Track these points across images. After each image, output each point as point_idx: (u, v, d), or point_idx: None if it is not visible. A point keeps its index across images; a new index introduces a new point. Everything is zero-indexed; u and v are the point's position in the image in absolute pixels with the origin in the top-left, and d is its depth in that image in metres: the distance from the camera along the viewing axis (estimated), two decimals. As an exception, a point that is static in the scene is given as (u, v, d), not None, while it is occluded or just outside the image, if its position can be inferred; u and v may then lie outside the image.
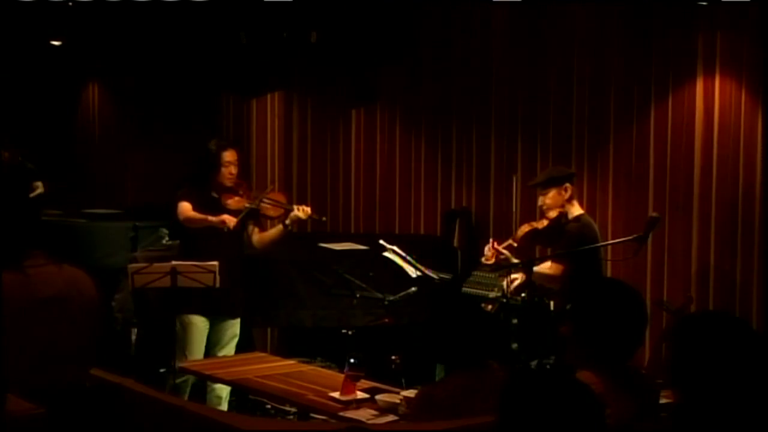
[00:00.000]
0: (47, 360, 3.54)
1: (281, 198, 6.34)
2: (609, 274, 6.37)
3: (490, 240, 5.94)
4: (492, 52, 7.55)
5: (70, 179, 10.46)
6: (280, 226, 6.22)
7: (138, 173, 10.39)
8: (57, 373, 3.48)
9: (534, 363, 5.90)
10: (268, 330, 7.77)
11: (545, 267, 5.76)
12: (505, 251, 5.74)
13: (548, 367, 5.76)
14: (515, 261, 5.73)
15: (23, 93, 10.35)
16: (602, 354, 3.12)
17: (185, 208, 6.05)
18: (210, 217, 6.01)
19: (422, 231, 8.06)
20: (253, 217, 6.19)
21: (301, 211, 6.14)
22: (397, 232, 8.16)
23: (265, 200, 6.16)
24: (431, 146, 8.01)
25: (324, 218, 6.61)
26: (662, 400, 3.34)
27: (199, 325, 6.04)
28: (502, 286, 5.94)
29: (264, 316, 6.96)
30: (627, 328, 3.15)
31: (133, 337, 7.09)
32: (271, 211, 6.23)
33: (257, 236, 6.25)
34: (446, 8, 7.78)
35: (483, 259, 5.89)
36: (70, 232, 8.36)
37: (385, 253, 6.18)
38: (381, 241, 6.26)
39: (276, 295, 6.90)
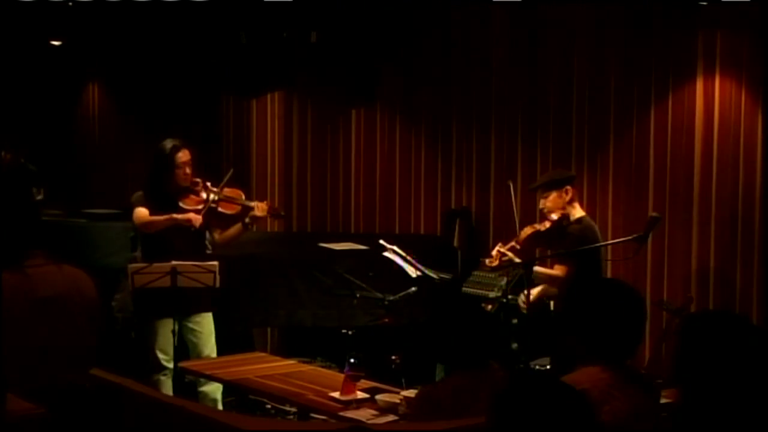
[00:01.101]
0: (47, 360, 3.54)
1: (239, 195, 6.25)
2: (609, 274, 6.36)
3: (498, 244, 5.93)
4: (492, 52, 7.54)
5: (70, 179, 10.47)
6: (239, 225, 6.16)
7: (138, 173, 10.37)
8: (57, 373, 3.48)
9: (535, 363, 5.91)
10: (268, 330, 7.77)
11: (549, 268, 5.76)
12: (508, 253, 5.75)
13: (541, 371, 5.76)
14: (518, 261, 5.72)
15: (23, 93, 10.34)
16: (603, 352, 3.13)
17: (142, 213, 6.00)
18: (176, 216, 5.97)
19: (422, 231, 8.06)
20: (211, 215, 6.13)
21: (259, 210, 6.09)
22: (397, 232, 8.15)
23: (221, 199, 6.10)
24: (431, 146, 8.01)
25: (283, 213, 6.52)
26: (662, 400, 3.35)
27: (165, 322, 5.98)
28: (503, 285, 5.94)
29: (264, 316, 6.96)
30: (626, 327, 3.16)
31: (133, 337, 7.08)
32: (229, 209, 6.17)
33: (218, 236, 6.22)
34: (446, 8, 7.77)
35: (487, 261, 5.89)
36: (70, 232, 8.35)
37: (385, 253, 6.18)
38: (381, 241, 6.26)
39: (276, 295, 6.90)
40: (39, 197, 8.15)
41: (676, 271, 6.48)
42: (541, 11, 7.17)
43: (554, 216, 5.80)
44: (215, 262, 5.82)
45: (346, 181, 8.64)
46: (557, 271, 5.68)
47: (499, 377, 3.54)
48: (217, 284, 5.80)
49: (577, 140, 7.02)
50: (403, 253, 6.16)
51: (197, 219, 5.97)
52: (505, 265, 5.77)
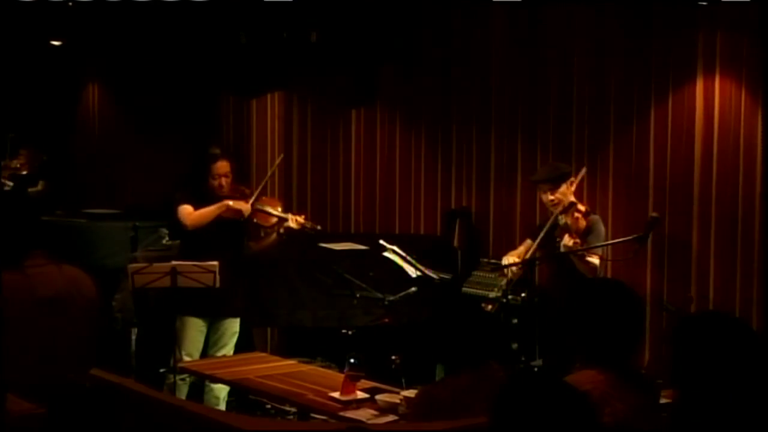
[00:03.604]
0: (47, 360, 3.54)
1: (276, 206, 6.26)
2: (609, 274, 6.37)
3: (565, 236, 5.81)
4: (492, 52, 7.54)
5: (70, 179, 10.47)
6: (274, 235, 6.18)
7: (138, 173, 10.39)
8: (57, 373, 3.48)
9: (534, 364, 5.91)
10: (268, 330, 7.77)
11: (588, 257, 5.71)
12: (578, 242, 5.67)
13: (539, 370, 5.75)
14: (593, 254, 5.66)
15: (23, 93, 10.34)
16: (602, 353, 3.13)
17: (187, 211, 6.01)
18: (228, 202, 5.97)
19: (422, 231, 8.06)
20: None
21: (294, 222, 6.10)
22: (397, 232, 8.15)
23: (258, 210, 6.10)
24: (431, 146, 8.01)
25: (319, 227, 6.54)
26: (662, 400, 3.35)
27: (197, 325, 6.03)
28: (503, 285, 5.93)
29: (264, 316, 6.96)
30: (624, 329, 3.16)
31: (133, 337, 7.09)
32: (264, 221, 6.18)
33: (254, 245, 6.24)
34: (446, 8, 7.77)
35: (570, 244, 5.70)
36: (70, 232, 8.36)
37: (385, 253, 6.18)
38: (381, 241, 6.26)
39: (276, 295, 6.90)
40: (38, 188, 8.17)
41: (676, 271, 6.48)
42: (541, 11, 7.17)
43: (582, 207, 5.79)
44: (215, 262, 5.82)
45: (346, 181, 8.63)
46: (595, 259, 5.67)
47: (499, 377, 3.54)
48: (217, 284, 5.80)
49: (577, 140, 7.02)
50: (403, 253, 6.16)
51: (248, 208, 5.98)
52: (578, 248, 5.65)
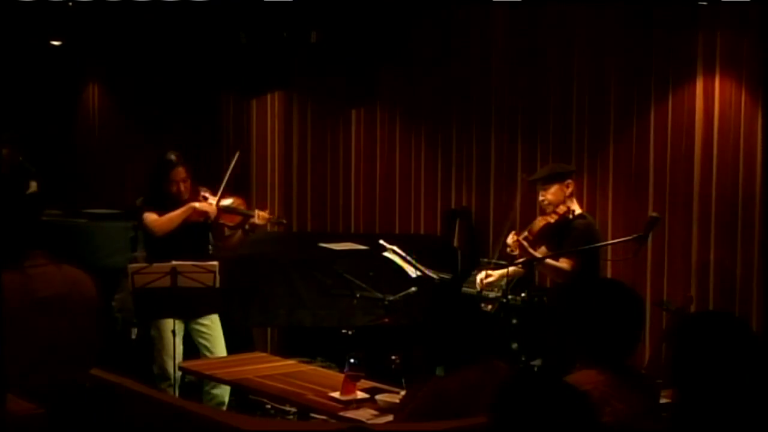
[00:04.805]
0: (47, 360, 3.54)
1: (239, 204, 6.25)
2: (609, 274, 6.37)
3: (511, 233, 5.83)
4: (492, 52, 7.54)
5: (70, 179, 10.47)
6: (239, 232, 6.17)
7: (138, 173, 10.37)
8: (57, 373, 3.48)
9: (535, 363, 5.91)
10: (268, 330, 7.77)
11: (555, 260, 5.71)
12: (524, 242, 5.66)
13: (538, 370, 5.75)
14: (533, 252, 5.64)
15: (23, 93, 10.34)
16: (602, 353, 3.13)
17: (152, 218, 6.03)
18: (195, 204, 5.98)
19: (422, 231, 8.06)
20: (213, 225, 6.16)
21: (259, 218, 6.09)
22: (397, 232, 8.15)
23: (222, 210, 6.10)
24: (431, 146, 8.01)
25: (284, 220, 6.54)
26: (662, 400, 3.36)
27: (170, 327, 5.98)
28: (503, 285, 5.93)
29: (264, 316, 6.96)
30: (624, 328, 3.16)
31: (133, 337, 7.09)
32: (230, 221, 6.18)
33: (220, 243, 6.24)
34: (445, 8, 7.77)
35: (508, 250, 5.76)
36: (70, 232, 8.36)
37: (385, 253, 6.18)
38: (381, 241, 6.26)
39: (276, 295, 6.90)
40: (32, 190, 8.16)
41: (676, 271, 6.48)
42: (541, 11, 7.17)
43: (562, 209, 5.76)
44: (215, 262, 5.82)
45: (346, 181, 8.64)
46: (564, 264, 5.62)
47: (503, 375, 3.53)
48: (217, 284, 5.80)
49: (577, 140, 7.02)
50: (403, 253, 6.16)
51: (214, 210, 6.00)
52: (520, 261, 5.67)
